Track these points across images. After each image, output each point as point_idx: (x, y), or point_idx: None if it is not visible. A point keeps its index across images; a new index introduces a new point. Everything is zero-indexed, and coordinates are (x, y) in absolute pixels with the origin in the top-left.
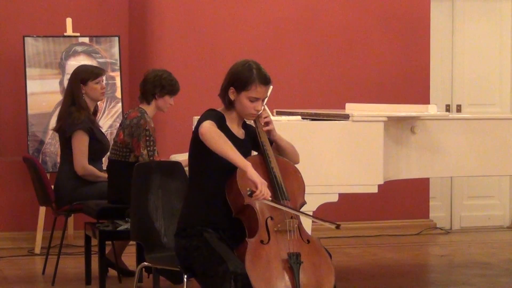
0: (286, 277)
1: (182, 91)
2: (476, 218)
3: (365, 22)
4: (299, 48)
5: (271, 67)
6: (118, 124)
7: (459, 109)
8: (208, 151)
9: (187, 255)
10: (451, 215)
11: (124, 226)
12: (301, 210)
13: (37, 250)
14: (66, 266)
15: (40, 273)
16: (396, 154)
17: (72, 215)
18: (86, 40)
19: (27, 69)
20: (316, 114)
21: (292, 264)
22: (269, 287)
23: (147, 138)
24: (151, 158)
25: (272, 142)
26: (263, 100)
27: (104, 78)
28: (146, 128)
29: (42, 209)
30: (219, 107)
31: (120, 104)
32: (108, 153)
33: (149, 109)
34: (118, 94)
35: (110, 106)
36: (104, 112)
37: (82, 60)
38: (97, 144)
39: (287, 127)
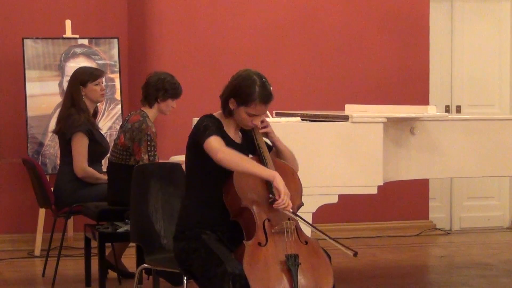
0: (285, 279)
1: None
2: (475, 219)
3: (364, 23)
4: (299, 50)
5: (270, 68)
6: (117, 126)
7: (458, 110)
8: (204, 155)
9: (186, 258)
10: (450, 216)
11: (123, 228)
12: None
13: (37, 252)
14: (66, 268)
15: (40, 275)
16: (396, 155)
17: (72, 217)
18: (85, 42)
19: (27, 71)
20: (315, 115)
21: (290, 265)
22: None
23: (148, 143)
24: None
25: (271, 147)
26: (262, 115)
27: (103, 79)
28: (148, 133)
29: (42, 211)
30: (219, 109)
31: (119, 106)
32: (108, 155)
33: (151, 113)
34: (118, 96)
35: (110, 108)
36: (103, 114)
37: (81, 62)
38: (97, 146)
39: (286, 129)
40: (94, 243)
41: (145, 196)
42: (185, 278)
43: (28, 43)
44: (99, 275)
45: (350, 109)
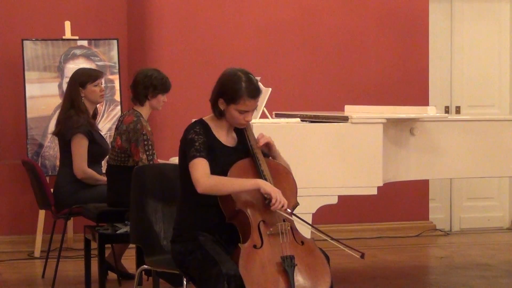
0: (281, 281)
1: (181, 93)
2: (475, 219)
3: (364, 24)
4: (298, 50)
5: (270, 69)
6: None
7: (458, 110)
8: None
9: (183, 260)
10: (450, 216)
11: (123, 229)
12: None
13: (37, 253)
14: (66, 270)
15: (39, 276)
16: (395, 156)
17: (72, 218)
18: (85, 43)
19: (26, 73)
20: (315, 116)
21: (286, 267)
22: None
23: (145, 142)
24: (151, 162)
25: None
26: (253, 110)
27: (103, 80)
28: (143, 132)
29: (42, 213)
30: None
31: (119, 107)
32: (107, 158)
33: (144, 111)
34: (117, 97)
35: (109, 109)
36: (103, 115)
37: (81, 63)
38: (97, 147)
39: (286, 129)
40: (94, 245)
41: (145, 197)
42: (185, 279)
43: (27, 44)
44: (99, 277)
45: (350, 110)
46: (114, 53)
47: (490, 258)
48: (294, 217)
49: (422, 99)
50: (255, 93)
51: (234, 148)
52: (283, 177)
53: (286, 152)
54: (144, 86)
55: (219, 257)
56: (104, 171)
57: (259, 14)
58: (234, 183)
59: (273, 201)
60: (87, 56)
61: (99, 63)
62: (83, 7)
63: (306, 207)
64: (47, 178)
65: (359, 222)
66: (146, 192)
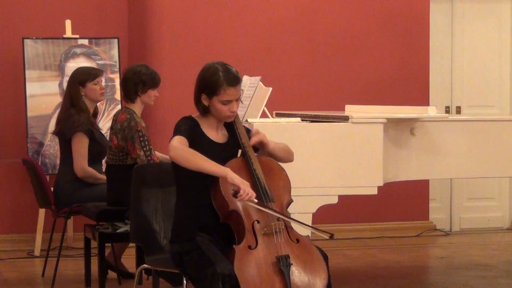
0: (277, 281)
1: (181, 92)
2: (475, 219)
3: (364, 23)
4: (298, 50)
5: (270, 69)
6: None
7: (458, 110)
8: None
9: (180, 260)
10: (450, 216)
11: (123, 228)
12: (296, 216)
13: (37, 252)
14: (66, 268)
15: (39, 275)
16: (396, 155)
17: (72, 217)
18: (85, 42)
19: (27, 71)
20: (315, 116)
21: (282, 267)
22: None
23: (141, 138)
24: (149, 158)
25: (258, 149)
26: (237, 100)
27: (103, 78)
28: (138, 129)
29: (42, 211)
30: None
31: (119, 106)
32: (105, 158)
33: (136, 107)
34: (118, 96)
35: (110, 108)
36: (103, 114)
37: (81, 62)
38: (97, 146)
39: (286, 129)
40: (94, 243)
41: (145, 196)
42: (185, 278)
43: (28, 43)
44: (99, 275)
45: (350, 110)
46: (115, 52)
47: (490, 258)
48: (256, 205)
49: (423, 99)
50: (234, 81)
51: (224, 144)
52: (276, 174)
53: None
54: (134, 83)
55: (215, 257)
56: (103, 170)
57: (259, 14)
58: (204, 163)
59: (241, 192)
60: (88, 55)
61: (99, 62)
62: (84, 6)
63: (306, 207)
64: (47, 177)
65: (359, 222)
66: (146, 191)
